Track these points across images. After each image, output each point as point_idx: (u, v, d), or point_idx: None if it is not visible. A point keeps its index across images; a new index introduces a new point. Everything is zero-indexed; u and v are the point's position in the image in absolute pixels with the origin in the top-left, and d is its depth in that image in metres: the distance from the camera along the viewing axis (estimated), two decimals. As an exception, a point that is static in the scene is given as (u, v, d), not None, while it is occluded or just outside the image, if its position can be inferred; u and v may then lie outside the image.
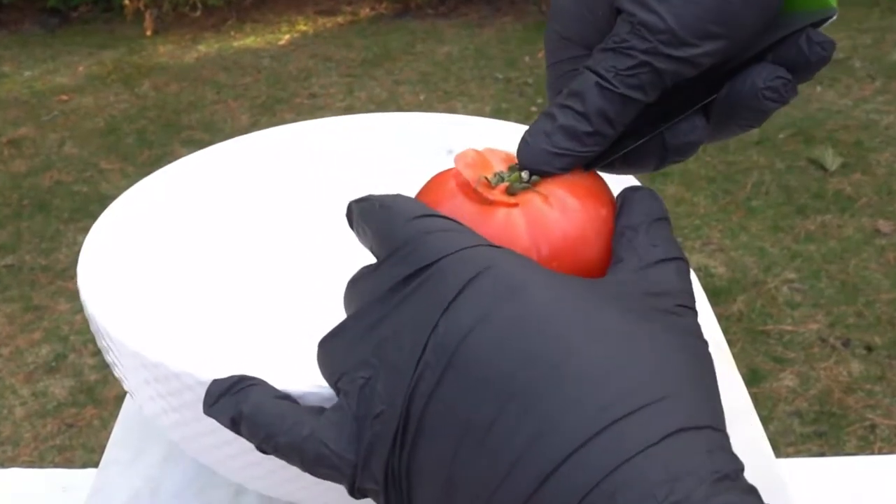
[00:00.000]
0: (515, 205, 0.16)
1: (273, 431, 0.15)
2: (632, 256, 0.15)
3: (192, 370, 0.18)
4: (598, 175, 0.17)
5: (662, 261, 0.15)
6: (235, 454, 0.19)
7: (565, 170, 0.16)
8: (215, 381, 0.16)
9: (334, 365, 0.15)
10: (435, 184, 0.17)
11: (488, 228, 0.15)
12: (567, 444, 0.12)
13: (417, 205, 0.15)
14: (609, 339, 0.13)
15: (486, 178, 0.16)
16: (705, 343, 0.14)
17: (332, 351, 0.15)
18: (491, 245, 0.14)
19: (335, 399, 0.15)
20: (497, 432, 0.13)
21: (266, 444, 0.15)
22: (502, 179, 0.16)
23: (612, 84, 0.15)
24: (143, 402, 0.21)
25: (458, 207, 0.16)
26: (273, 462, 0.16)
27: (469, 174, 0.16)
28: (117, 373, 0.22)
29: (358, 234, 0.16)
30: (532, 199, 0.16)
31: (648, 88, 0.16)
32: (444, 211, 0.16)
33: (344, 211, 0.17)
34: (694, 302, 0.15)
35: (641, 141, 0.17)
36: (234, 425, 0.15)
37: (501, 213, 0.16)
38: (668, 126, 0.17)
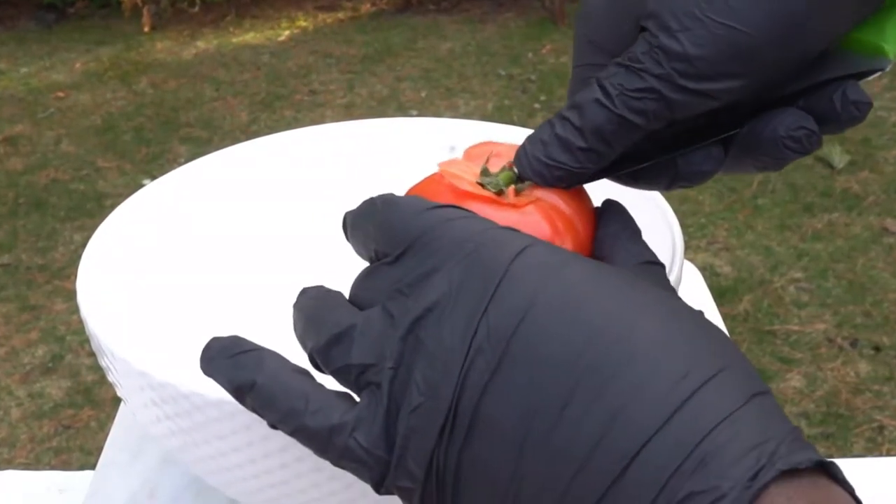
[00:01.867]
0: (531, 202, 0.16)
1: (295, 411, 0.14)
2: (624, 256, 0.15)
3: (202, 390, 0.18)
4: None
5: (649, 262, 0.15)
6: (247, 477, 0.19)
7: (560, 182, 0.16)
8: (216, 339, 0.15)
9: (357, 357, 0.14)
10: (426, 187, 0.16)
11: (511, 224, 0.15)
12: (651, 420, 0.12)
13: (424, 199, 0.15)
14: (659, 313, 0.13)
15: (481, 183, 0.16)
16: None
17: (354, 345, 0.14)
18: (514, 230, 0.14)
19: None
20: (570, 417, 0.12)
21: (284, 425, 0.14)
22: (497, 182, 0.16)
23: (613, 103, 0.15)
24: (149, 423, 0.20)
25: (471, 208, 0.15)
26: (293, 486, 0.15)
27: (466, 179, 0.16)
28: (120, 393, 0.21)
29: (354, 238, 0.16)
30: (544, 196, 0.16)
31: (652, 116, 0.15)
32: None
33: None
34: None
35: (646, 164, 0.16)
36: (239, 393, 0.14)
37: (522, 210, 0.16)
38: (683, 153, 0.16)
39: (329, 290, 0.15)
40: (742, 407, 0.12)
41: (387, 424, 0.13)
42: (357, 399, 0.14)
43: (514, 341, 0.12)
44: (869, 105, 0.15)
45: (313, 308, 0.15)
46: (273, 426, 0.14)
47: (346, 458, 0.13)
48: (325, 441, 0.14)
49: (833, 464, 0.12)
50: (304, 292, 0.16)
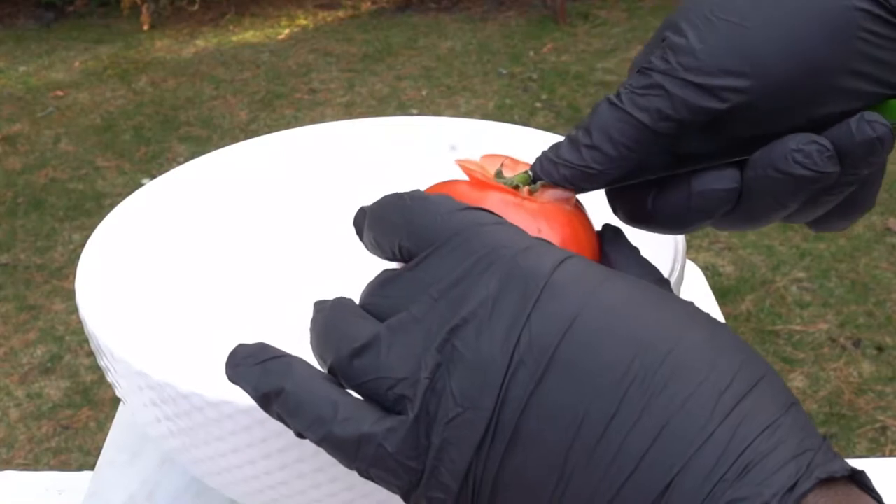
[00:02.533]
0: (556, 202, 0.16)
1: (323, 419, 0.13)
2: (637, 274, 0.15)
3: (202, 391, 0.18)
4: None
5: (659, 279, 0.16)
6: (247, 478, 0.18)
7: (565, 181, 0.16)
8: (242, 346, 0.15)
9: (388, 370, 0.13)
10: (447, 185, 0.16)
11: (537, 221, 0.15)
12: (698, 431, 0.12)
13: (455, 199, 0.15)
14: (699, 326, 0.13)
15: (496, 181, 0.17)
16: None
17: (382, 357, 0.14)
18: (549, 242, 0.14)
19: None
20: (616, 430, 0.12)
21: (311, 433, 0.14)
22: (512, 181, 0.17)
23: (620, 100, 0.15)
24: (148, 424, 0.20)
25: (495, 203, 0.15)
26: (293, 487, 0.15)
27: (488, 173, 0.17)
28: (119, 393, 0.21)
29: (375, 230, 0.15)
30: (565, 200, 0.16)
31: (655, 113, 0.15)
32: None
33: (351, 215, 0.15)
34: None
35: (658, 175, 0.16)
36: (265, 400, 0.14)
37: (545, 206, 0.16)
38: (695, 170, 0.16)
39: (341, 300, 0.15)
40: (781, 417, 0.12)
41: (418, 434, 0.13)
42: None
43: (559, 353, 0.12)
44: (887, 129, 0.14)
45: (328, 320, 0.15)
46: (300, 434, 0.14)
47: (376, 466, 0.13)
48: (354, 450, 0.13)
49: (864, 473, 0.12)
50: (318, 306, 0.15)
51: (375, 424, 0.13)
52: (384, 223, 0.15)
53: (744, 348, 0.13)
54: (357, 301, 0.15)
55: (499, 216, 0.14)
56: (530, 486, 0.12)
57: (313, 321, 0.15)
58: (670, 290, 0.15)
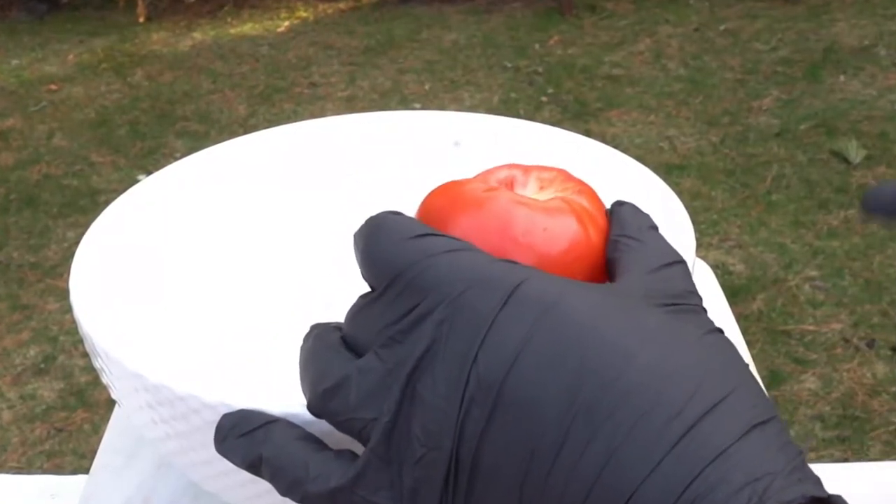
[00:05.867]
0: (558, 198, 0.16)
1: (298, 480, 0.14)
2: (637, 261, 0.15)
3: (199, 393, 0.17)
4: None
5: (669, 264, 0.15)
6: (244, 483, 0.18)
7: None
8: (226, 416, 0.15)
9: (358, 411, 0.14)
10: (448, 190, 0.16)
11: (543, 221, 0.15)
12: (644, 462, 0.12)
13: (412, 222, 0.14)
14: (658, 342, 0.13)
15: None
16: (727, 337, 0.14)
17: (352, 399, 0.14)
18: (507, 262, 0.14)
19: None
20: (565, 459, 0.12)
21: (292, 494, 0.15)
22: None
23: None
24: (144, 426, 0.20)
25: (500, 204, 0.15)
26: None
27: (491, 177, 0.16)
28: (114, 395, 0.20)
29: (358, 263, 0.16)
30: (573, 193, 0.16)
31: None
32: (480, 208, 0.15)
33: (352, 212, 0.16)
34: (701, 301, 0.15)
35: None
36: (253, 468, 0.15)
37: (551, 209, 0.15)
38: None
39: (322, 332, 0.15)
40: (737, 441, 0.12)
41: (391, 476, 0.13)
42: (360, 450, 0.14)
43: (505, 389, 0.13)
44: None
45: (308, 354, 0.15)
46: (285, 495, 0.14)
47: None
48: (332, 502, 0.14)
49: (833, 497, 0.11)
50: (307, 334, 0.15)
51: (343, 476, 0.14)
52: (355, 251, 0.15)
53: (715, 362, 0.13)
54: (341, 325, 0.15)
55: (453, 239, 0.14)
56: None
57: (300, 349, 0.15)
58: (680, 274, 0.15)
